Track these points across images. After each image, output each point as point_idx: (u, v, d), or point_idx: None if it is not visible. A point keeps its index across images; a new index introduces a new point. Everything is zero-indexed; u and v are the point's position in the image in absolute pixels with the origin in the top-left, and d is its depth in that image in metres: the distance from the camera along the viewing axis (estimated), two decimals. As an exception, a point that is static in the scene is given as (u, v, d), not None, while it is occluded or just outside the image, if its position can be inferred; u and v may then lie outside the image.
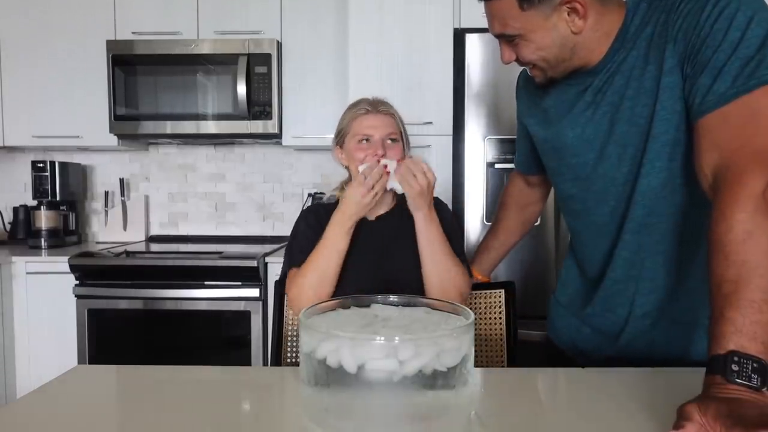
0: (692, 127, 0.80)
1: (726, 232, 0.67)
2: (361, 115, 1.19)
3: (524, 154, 1.23)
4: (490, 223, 2.13)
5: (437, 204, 1.22)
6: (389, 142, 1.18)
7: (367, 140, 1.18)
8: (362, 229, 1.18)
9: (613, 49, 0.89)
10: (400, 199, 1.21)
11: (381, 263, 1.18)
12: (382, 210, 1.25)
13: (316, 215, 1.24)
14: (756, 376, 0.59)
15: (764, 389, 0.60)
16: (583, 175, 0.97)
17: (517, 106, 1.17)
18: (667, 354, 0.95)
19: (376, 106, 1.21)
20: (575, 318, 1.09)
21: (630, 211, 0.91)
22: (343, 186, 1.28)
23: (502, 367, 1.30)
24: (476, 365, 0.72)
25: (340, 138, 1.24)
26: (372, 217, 1.23)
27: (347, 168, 1.26)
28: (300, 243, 1.20)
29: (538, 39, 0.87)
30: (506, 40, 0.90)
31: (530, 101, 1.09)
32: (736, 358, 0.60)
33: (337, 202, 1.21)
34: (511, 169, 1.35)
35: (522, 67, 1.04)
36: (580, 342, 1.08)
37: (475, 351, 0.72)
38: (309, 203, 2.75)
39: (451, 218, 1.26)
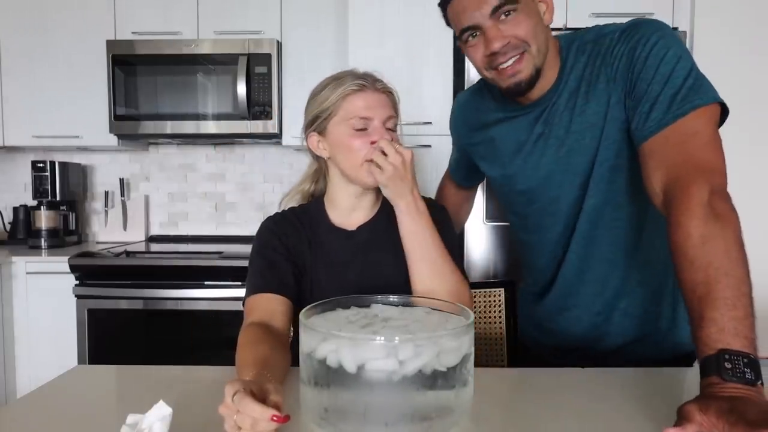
0: (637, 152, 0.87)
1: (685, 239, 0.71)
2: (354, 93, 0.94)
3: (458, 170, 1.30)
4: (489, 223, 2.15)
5: (433, 206, 1.04)
6: (388, 128, 0.96)
7: (364, 128, 0.94)
8: (340, 241, 1.02)
9: (557, 79, 0.96)
10: (387, 202, 1.00)
11: (363, 283, 0.98)
12: (364, 217, 1.04)
13: (278, 225, 1.06)
14: (749, 370, 0.61)
15: (759, 383, 0.61)
16: (540, 201, 1.04)
17: (454, 134, 1.22)
18: (619, 342, 1.05)
19: (374, 82, 0.97)
20: (534, 317, 1.17)
21: (577, 225, 1.01)
22: (312, 181, 1.10)
23: (502, 367, 1.29)
24: (476, 365, 0.72)
25: (321, 122, 0.97)
26: (352, 227, 1.04)
27: (326, 161, 1.02)
28: (265, 260, 1.04)
29: (533, 14, 0.91)
30: (504, 13, 0.88)
31: (470, 129, 1.13)
32: (727, 356, 0.62)
33: (300, 208, 1.07)
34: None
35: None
36: (542, 337, 1.16)
37: (475, 351, 0.72)
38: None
39: (450, 224, 1.08)
